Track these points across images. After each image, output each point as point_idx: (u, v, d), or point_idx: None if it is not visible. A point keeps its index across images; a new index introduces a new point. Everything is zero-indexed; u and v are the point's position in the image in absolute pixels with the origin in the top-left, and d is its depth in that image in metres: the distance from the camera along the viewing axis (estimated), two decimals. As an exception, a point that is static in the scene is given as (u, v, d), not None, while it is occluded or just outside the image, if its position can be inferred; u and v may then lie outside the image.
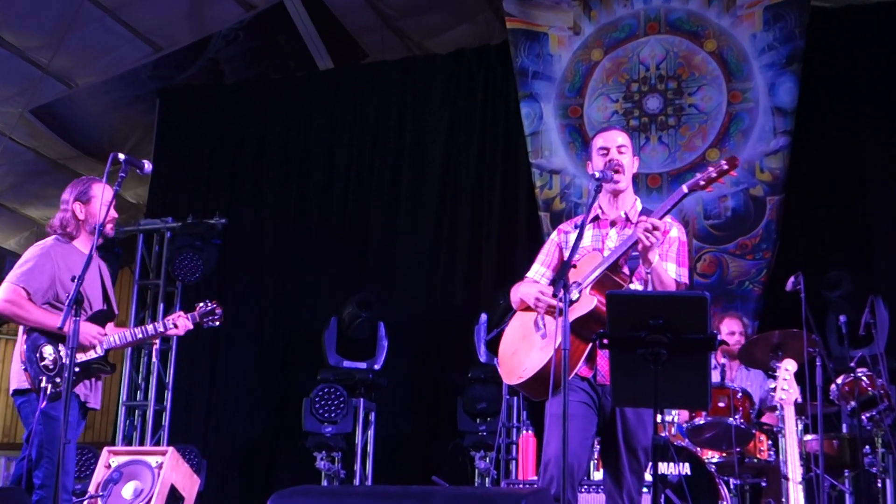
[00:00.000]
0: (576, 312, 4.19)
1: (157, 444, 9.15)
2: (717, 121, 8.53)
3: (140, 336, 5.45)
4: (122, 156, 4.82)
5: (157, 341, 5.54)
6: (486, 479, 8.09)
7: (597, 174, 4.39)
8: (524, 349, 4.42)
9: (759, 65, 8.44)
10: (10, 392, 5.11)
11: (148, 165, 4.99)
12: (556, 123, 9.00)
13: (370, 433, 8.85)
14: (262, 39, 10.35)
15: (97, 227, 5.03)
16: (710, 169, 4.26)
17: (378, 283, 9.44)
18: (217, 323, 5.73)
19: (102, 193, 5.36)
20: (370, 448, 8.80)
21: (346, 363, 8.75)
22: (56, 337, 5.13)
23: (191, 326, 5.58)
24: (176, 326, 5.53)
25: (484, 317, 8.37)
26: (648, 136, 8.69)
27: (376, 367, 8.78)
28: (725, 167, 4.26)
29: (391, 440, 8.98)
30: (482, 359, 8.29)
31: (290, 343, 9.61)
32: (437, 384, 8.99)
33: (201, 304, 5.71)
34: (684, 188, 4.26)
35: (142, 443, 9.30)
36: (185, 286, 9.46)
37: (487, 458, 8.07)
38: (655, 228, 4.11)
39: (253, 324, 9.70)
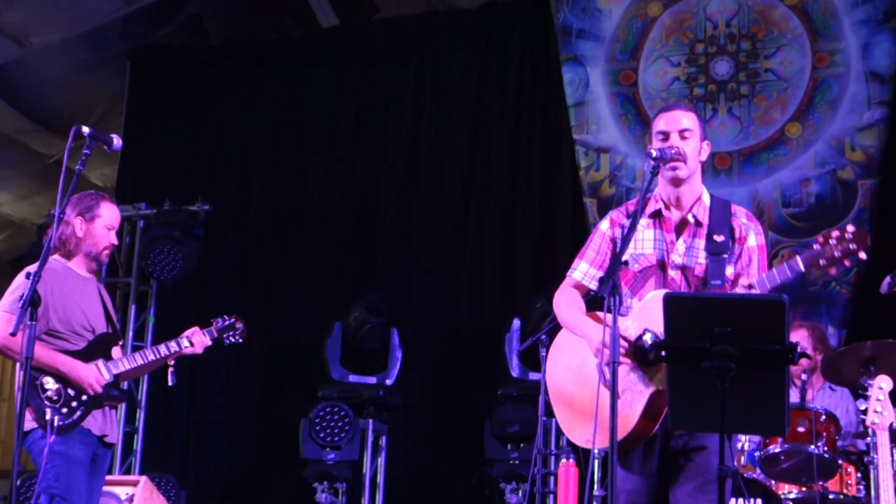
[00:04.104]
0: (657, 382, 4.21)
1: (128, 472, 9.20)
2: (798, 89, 8.50)
3: (152, 358, 5.59)
4: (86, 129, 4.85)
5: (173, 363, 5.65)
6: (519, 516, 8.11)
7: (653, 153, 4.38)
8: (589, 402, 4.39)
9: (851, 21, 8.40)
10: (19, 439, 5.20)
11: (117, 141, 5.02)
12: (606, 92, 8.99)
13: (380, 461, 8.87)
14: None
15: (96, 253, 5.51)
16: (834, 243, 4.18)
17: (391, 283, 9.47)
18: (240, 339, 5.91)
19: (110, 215, 5.61)
20: (380, 478, 8.83)
21: (353, 378, 8.78)
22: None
23: (209, 343, 5.72)
24: (192, 344, 5.63)
25: (517, 323, 8.37)
26: (716, 107, 8.67)
27: (388, 382, 8.80)
28: (853, 247, 4.20)
29: (405, 469, 9.01)
30: (514, 373, 8.30)
31: (286, 354, 9.64)
32: (460, 403, 9.00)
33: (219, 319, 5.84)
34: (800, 264, 4.23)
35: (109, 471, 9.34)
36: (161, 285, 9.51)
37: (520, 492, 8.08)
38: None
39: (241, 330, 9.74)
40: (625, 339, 4.22)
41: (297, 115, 10.22)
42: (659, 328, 4.06)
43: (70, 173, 4.76)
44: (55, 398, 5.23)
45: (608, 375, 4.00)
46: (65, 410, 5.23)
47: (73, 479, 5.18)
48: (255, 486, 9.45)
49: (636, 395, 4.24)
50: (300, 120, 10.20)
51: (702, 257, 4.42)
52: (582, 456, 4.81)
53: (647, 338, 4.21)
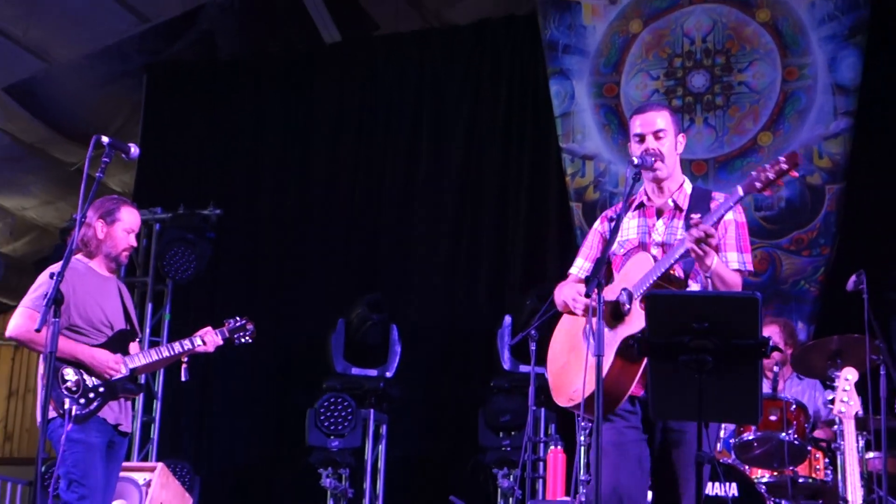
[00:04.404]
0: (628, 328, 4.21)
1: (145, 459, 9.20)
2: (770, 100, 8.52)
3: (167, 354, 5.61)
4: (105, 139, 4.85)
5: (186, 359, 5.66)
6: (510, 499, 8.12)
7: (635, 160, 4.40)
8: (574, 364, 4.43)
9: (818, 37, 8.41)
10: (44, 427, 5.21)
11: (134, 149, 5.02)
12: (590, 103, 9.00)
13: (381, 448, 8.88)
14: (261, 8, 10.37)
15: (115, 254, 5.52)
16: (768, 167, 4.24)
17: (391, 281, 9.47)
18: (249, 339, 5.93)
19: (130, 219, 5.62)
20: (381, 464, 8.84)
21: (355, 370, 8.79)
22: (75, 362, 5.33)
23: (220, 342, 5.74)
24: (204, 343, 5.65)
25: (508, 319, 8.38)
26: (693, 117, 8.68)
27: (388, 374, 8.81)
28: (785, 166, 4.24)
29: (404, 456, 9.01)
30: (506, 366, 8.31)
31: (293, 348, 9.65)
32: (455, 394, 9.01)
33: (230, 320, 5.86)
34: (740, 190, 4.26)
35: (127, 458, 9.33)
36: (176, 285, 9.52)
37: (511, 477, 8.10)
38: (709, 236, 4.12)
39: (250, 326, 9.73)
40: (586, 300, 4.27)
41: (302, 124, 10.22)
42: (634, 285, 4.22)
43: (91, 180, 4.75)
44: (74, 389, 5.24)
45: (594, 324, 3.99)
46: (82, 401, 5.24)
47: (90, 465, 5.20)
48: (264, 471, 9.45)
49: (608, 341, 4.20)
50: (305, 129, 10.20)
51: (680, 234, 4.40)
52: (575, 416, 4.77)
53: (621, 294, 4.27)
